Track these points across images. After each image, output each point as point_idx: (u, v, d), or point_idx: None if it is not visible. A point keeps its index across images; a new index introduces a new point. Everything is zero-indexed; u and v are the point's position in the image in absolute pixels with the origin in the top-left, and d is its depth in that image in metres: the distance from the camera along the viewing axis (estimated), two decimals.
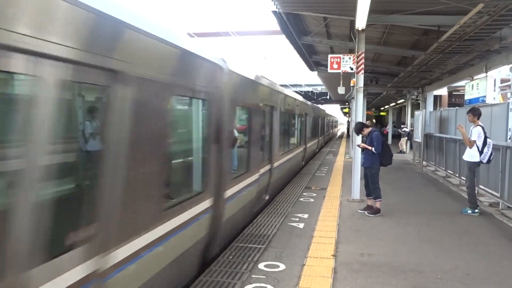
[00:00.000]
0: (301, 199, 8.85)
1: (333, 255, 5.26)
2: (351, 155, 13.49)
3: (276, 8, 10.01)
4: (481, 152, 7.53)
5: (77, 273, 2.54)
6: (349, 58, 11.08)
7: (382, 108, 40.06)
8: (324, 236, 6.10)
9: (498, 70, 13.58)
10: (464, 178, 8.55)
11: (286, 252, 5.33)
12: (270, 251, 5.38)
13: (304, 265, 4.90)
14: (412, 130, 18.94)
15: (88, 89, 2.96)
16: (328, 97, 41.24)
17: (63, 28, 2.34)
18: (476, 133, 7.57)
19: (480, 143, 7.52)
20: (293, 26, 11.96)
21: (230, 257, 5.11)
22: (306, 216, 7.33)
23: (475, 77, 11.92)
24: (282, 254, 5.25)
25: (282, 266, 4.83)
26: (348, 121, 41.35)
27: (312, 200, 8.83)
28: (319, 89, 38.64)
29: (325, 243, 5.76)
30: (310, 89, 38.83)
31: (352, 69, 10.89)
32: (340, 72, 11.76)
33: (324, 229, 6.51)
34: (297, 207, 8.09)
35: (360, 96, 9.10)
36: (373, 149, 7.53)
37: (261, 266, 4.83)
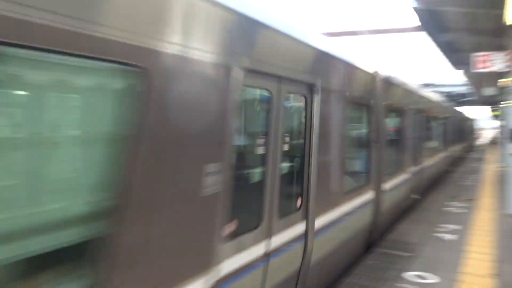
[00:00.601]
0: (447, 209, 8.22)
1: (494, 274, 4.77)
2: (507, 164, 11.99)
3: (417, 4, 9.63)
4: None
5: None
6: (500, 56, 10.05)
7: None
8: (478, 252, 5.58)
9: None
10: None
11: (434, 264, 5.04)
12: (416, 260, 5.16)
13: (457, 280, 4.57)
14: None
15: None
16: (473, 98, 37.25)
17: None
18: None
19: None
20: (434, 22, 11.25)
21: (376, 262, 5.07)
22: (454, 227, 6.79)
23: None
24: (430, 266, 4.98)
25: (432, 279, 4.59)
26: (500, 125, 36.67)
27: (459, 210, 8.12)
28: (462, 89, 35.18)
29: (480, 260, 5.27)
30: (454, 89, 35.68)
31: (504, 67, 9.85)
32: (489, 71, 10.68)
33: (478, 244, 5.95)
34: (442, 217, 7.55)
35: None
36: None
37: (408, 275, 4.67)
